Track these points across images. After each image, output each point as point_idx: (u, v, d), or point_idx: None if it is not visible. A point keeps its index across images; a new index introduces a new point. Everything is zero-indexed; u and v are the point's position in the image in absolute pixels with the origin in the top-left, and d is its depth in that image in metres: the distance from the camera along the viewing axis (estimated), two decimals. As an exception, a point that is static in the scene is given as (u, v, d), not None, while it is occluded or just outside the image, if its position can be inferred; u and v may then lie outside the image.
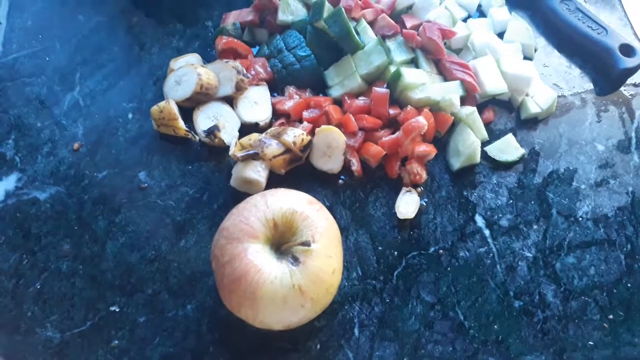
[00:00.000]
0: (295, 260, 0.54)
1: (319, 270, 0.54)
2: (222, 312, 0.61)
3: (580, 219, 0.70)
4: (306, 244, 0.54)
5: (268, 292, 0.53)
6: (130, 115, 0.77)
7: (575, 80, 0.82)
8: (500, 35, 0.84)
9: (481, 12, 0.88)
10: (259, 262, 0.54)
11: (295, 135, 0.69)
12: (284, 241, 0.56)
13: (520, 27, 0.84)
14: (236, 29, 0.82)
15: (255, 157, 0.69)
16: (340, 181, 0.73)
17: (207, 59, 0.81)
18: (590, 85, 0.81)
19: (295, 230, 0.56)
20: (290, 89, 0.77)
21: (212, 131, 0.72)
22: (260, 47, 0.81)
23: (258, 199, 0.58)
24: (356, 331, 0.63)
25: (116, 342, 0.62)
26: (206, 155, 0.74)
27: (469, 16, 0.87)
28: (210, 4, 0.88)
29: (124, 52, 0.83)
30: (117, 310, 0.63)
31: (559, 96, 0.80)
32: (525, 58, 0.83)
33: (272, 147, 0.69)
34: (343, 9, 0.75)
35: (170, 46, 0.84)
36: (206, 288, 0.64)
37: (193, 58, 0.80)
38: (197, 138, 0.74)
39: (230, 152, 0.69)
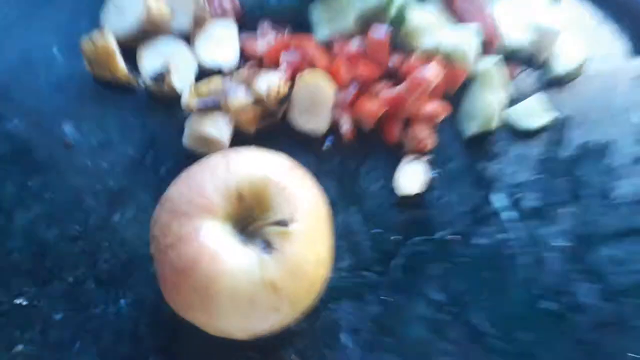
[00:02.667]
0: (268, 245, 0.42)
1: (301, 260, 0.42)
2: (167, 309, 0.49)
3: (619, 201, 0.60)
4: (283, 223, 0.42)
5: (227, 288, 0.41)
6: (55, 51, 0.64)
7: (607, 39, 0.71)
8: (523, -22, 0.72)
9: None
10: (216, 246, 0.42)
11: (269, 82, 0.58)
12: (252, 219, 0.44)
13: (546, -30, 0.72)
14: (197, -52, 0.68)
15: (215, 107, 0.57)
16: (326, 145, 0.62)
17: (159, -17, 0.67)
18: (625, 46, 0.71)
19: (268, 204, 0.44)
20: (265, 25, 0.64)
21: (160, 74, 0.61)
22: (228, -26, 0.67)
23: (218, 160, 0.46)
24: (343, 337, 0.52)
25: (20, 347, 0.50)
26: (152, 105, 0.63)
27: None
28: None
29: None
30: (25, 303, 0.52)
31: (588, 57, 0.69)
32: (553, 8, 0.71)
33: (239, 97, 0.57)
34: None
35: (113, -33, 0.69)
36: (147, 277, 0.53)
37: (140, -19, 0.66)
38: (142, 83, 0.63)
39: (183, 101, 0.58)
